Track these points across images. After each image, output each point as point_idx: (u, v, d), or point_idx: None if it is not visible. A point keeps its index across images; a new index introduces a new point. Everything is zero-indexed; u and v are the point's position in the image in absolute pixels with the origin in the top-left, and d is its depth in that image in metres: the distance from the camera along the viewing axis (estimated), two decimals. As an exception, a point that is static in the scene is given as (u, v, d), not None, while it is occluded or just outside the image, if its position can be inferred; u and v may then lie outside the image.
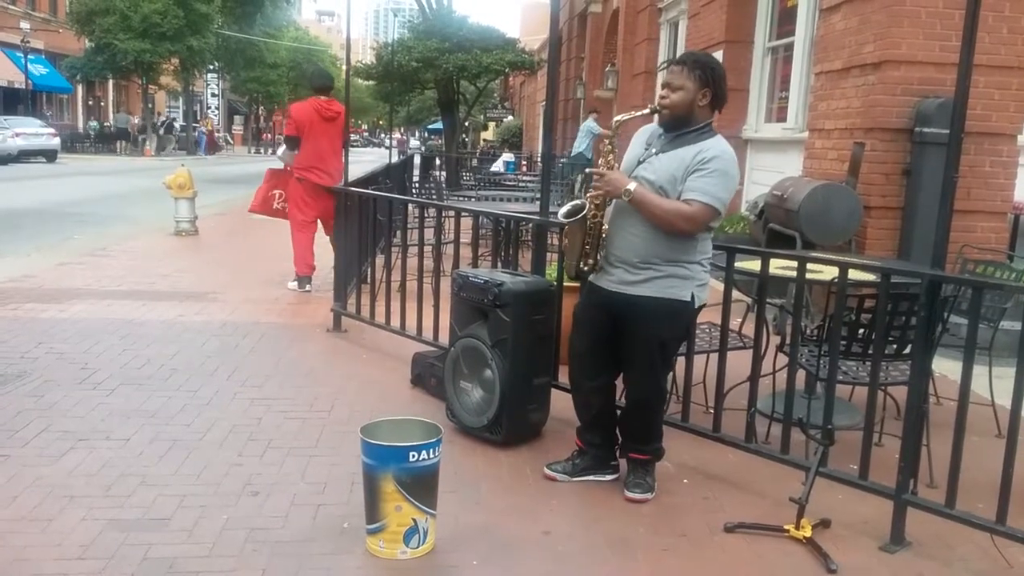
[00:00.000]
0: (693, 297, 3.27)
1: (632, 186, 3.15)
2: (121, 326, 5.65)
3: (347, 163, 6.07)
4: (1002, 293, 4.24)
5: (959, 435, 2.99)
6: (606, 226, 3.31)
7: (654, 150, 3.28)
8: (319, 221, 7.12)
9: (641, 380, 3.38)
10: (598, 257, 3.33)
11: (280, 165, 7.52)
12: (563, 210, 3.35)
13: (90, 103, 40.42)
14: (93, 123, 38.70)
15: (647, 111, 3.33)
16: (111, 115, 41.11)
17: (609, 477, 3.57)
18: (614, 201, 3.27)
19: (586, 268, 3.37)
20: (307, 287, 7.13)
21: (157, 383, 4.53)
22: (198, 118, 47.30)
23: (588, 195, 3.31)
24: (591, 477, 3.55)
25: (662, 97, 3.23)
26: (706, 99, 3.20)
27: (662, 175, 3.20)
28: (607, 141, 3.33)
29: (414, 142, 46.51)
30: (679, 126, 3.23)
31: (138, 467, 3.47)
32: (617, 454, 3.59)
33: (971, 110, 3.31)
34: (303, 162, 6.98)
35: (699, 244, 3.26)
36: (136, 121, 37.34)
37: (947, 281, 3.25)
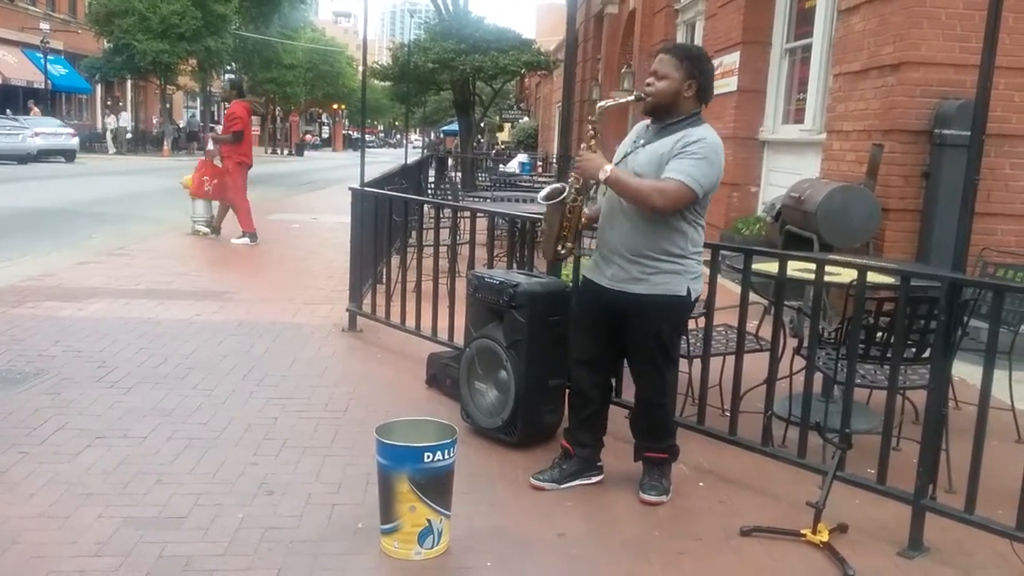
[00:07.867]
0: (689, 291, 3.28)
1: (608, 167, 3.16)
2: (138, 325, 5.68)
3: (363, 164, 6.09)
4: (1023, 296, 4.20)
5: (979, 440, 2.96)
6: (586, 210, 3.39)
7: (641, 142, 3.30)
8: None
9: (647, 377, 3.40)
10: (575, 241, 3.40)
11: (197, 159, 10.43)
12: (543, 193, 3.39)
13: (108, 103, 40.66)
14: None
15: (631, 98, 3.34)
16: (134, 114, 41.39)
17: (595, 479, 3.56)
18: (607, 194, 3.29)
19: (563, 251, 3.44)
20: (256, 241, 9.50)
21: (173, 382, 4.55)
22: (215, 119, 47.45)
23: (568, 178, 3.34)
24: (578, 482, 3.52)
25: (647, 84, 3.24)
26: (691, 91, 3.20)
27: (643, 165, 3.21)
28: (590, 126, 3.32)
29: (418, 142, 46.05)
30: (664, 116, 3.24)
31: (154, 465, 3.48)
32: (633, 458, 3.56)
33: (991, 112, 3.27)
34: (244, 150, 9.57)
35: (690, 235, 3.23)
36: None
37: (967, 284, 3.22)
